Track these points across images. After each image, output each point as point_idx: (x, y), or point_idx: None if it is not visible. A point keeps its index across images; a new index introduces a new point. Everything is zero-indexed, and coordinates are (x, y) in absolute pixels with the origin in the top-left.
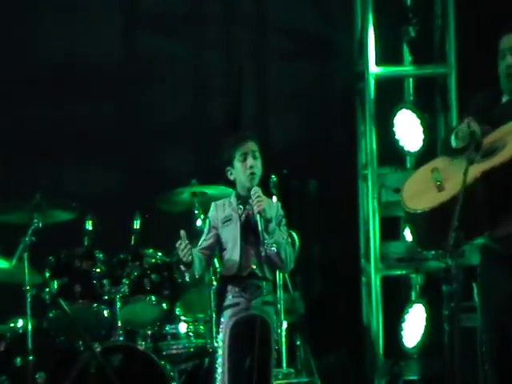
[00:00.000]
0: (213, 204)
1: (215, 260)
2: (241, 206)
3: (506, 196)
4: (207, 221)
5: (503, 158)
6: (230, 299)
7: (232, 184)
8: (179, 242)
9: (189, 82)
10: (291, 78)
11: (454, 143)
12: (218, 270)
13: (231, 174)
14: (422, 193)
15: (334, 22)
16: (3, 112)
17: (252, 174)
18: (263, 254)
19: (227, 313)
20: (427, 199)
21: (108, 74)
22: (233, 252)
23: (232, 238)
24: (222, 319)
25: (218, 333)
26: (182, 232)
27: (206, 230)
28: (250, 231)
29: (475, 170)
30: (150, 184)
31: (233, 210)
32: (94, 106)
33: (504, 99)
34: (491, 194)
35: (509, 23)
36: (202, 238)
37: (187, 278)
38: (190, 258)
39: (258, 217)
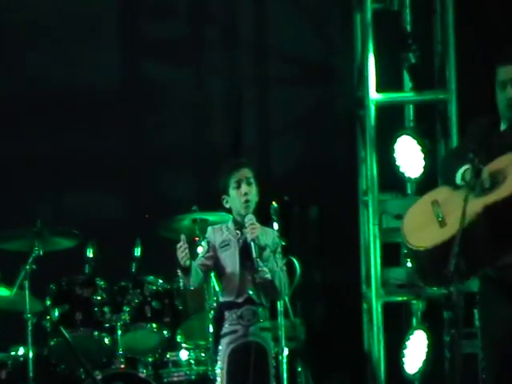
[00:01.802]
0: (209, 228)
1: (214, 286)
2: (238, 231)
3: (507, 228)
4: (205, 241)
5: (505, 192)
6: (227, 327)
7: (230, 212)
8: (179, 244)
9: (190, 107)
10: (292, 104)
11: (458, 181)
12: (215, 297)
13: (227, 202)
14: (423, 227)
15: (335, 48)
16: (3, 137)
17: (246, 201)
18: (257, 281)
19: (225, 340)
20: (429, 235)
21: (108, 100)
22: (231, 278)
23: (231, 263)
24: (220, 347)
25: (216, 361)
26: (183, 235)
27: (204, 249)
28: (246, 257)
29: (477, 205)
30: (150, 211)
31: (231, 235)
32: (94, 132)
33: (503, 127)
34: (493, 228)
35: (504, 53)
36: (200, 255)
37: (181, 285)
38: (188, 262)
39: (251, 244)
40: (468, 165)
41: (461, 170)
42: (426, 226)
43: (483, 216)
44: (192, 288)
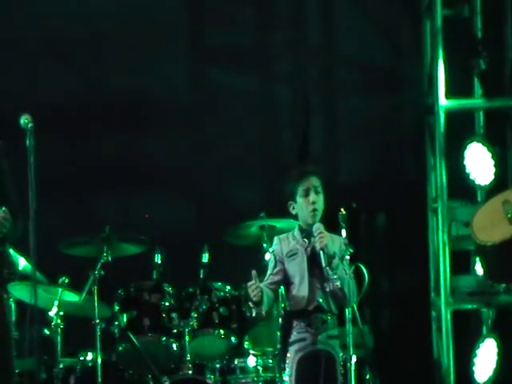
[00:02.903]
0: (276, 238)
1: (282, 293)
2: (305, 240)
3: None
4: (272, 255)
5: None
6: (295, 335)
7: (296, 218)
8: (251, 283)
9: (257, 115)
10: (360, 110)
11: None
12: (283, 304)
13: (293, 208)
14: (492, 225)
15: (404, 54)
16: (72, 145)
17: (314, 210)
18: (328, 289)
19: (293, 348)
20: (498, 231)
21: (175, 109)
22: (300, 287)
23: (299, 272)
24: (288, 354)
25: (284, 368)
26: (254, 272)
27: (271, 264)
28: (315, 265)
29: None
30: (218, 217)
31: (298, 244)
32: (161, 139)
33: None
34: None
35: None
36: (269, 273)
37: (254, 314)
38: (260, 296)
39: (321, 253)
40: None
41: None
42: (496, 223)
43: None
44: (264, 313)
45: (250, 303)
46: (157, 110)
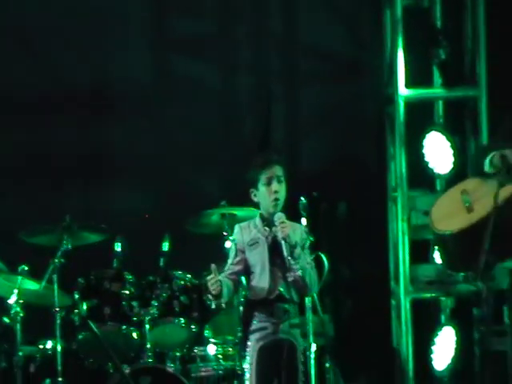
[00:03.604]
0: (237, 226)
1: (242, 283)
2: (267, 228)
3: None
4: (233, 243)
5: None
6: (256, 323)
7: (257, 206)
8: (210, 276)
9: (218, 103)
10: (321, 100)
11: (487, 168)
12: (244, 293)
13: (255, 195)
14: (451, 214)
15: (364, 44)
16: (32, 135)
17: (276, 199)
18: (290, 279)
19: (254, 336)
20: (456, 221)
21: (136, 97)
22: (262, 276)
23: (260, 261)
24: (249, 343)
25: (244, 357)
26: (213, 266)
27: (232, 254)
28: (276, 254)
29: (506, 191)
30: (179, 206)
31: (259, 232)
32: (122, 127)
33: None
34: None
35: None
36: (229, 262)
37: (213, 306)
38: (219, 290)
39: (283, 243)
40: (495, 151)
41: (489, 157)
42: (454, 213)
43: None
44: (224, 305)
45: (209, 296)
46: (118, 98)
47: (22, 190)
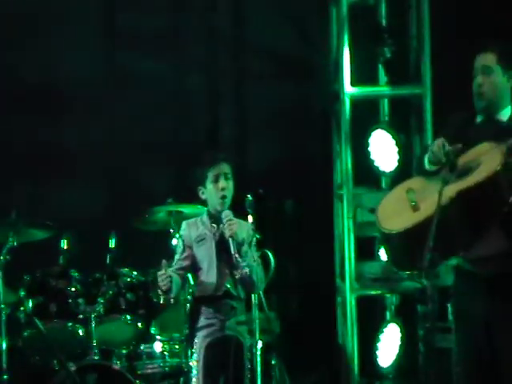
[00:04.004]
0: (184, 223)
1: (190, 280)
2: (214, 225)
3: (481, 217)
4: (180, 239)
5: (478, 178)
6: (203, 320)
7: (204, 203)
8: (161, 272)
9: (166, 101)
10: (268, 98)
11: (427, 166)
12: (191, 290)
13: (203, 193)
14: (396, 213)
15: (311, 42)
16: None
17: (223, 197)
18: (237, 276)
19: (201, 333)
20: (402, 220)
21: (84, 93)
22: (209, 272)
23: (207, 257)
24: (196, 340)
25: (191, 354)
26: (164, 261)
27: (179, 249)
28: (223, 250)
29: (451, 190)
30: (126, 203)
31: (206, 229)
32: (69, 123)
33: (478, 119)
34: (466, 214)
35: (482, 43)
36: (177, 258)
37: (161, 301)
38: (169, 285)
39: (230, 240)
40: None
41: (426, 156)
42: (400, 212)
43: (456, 201)
44: (172, 301)
45: (158, 291)
46: (67, 95)
47: None
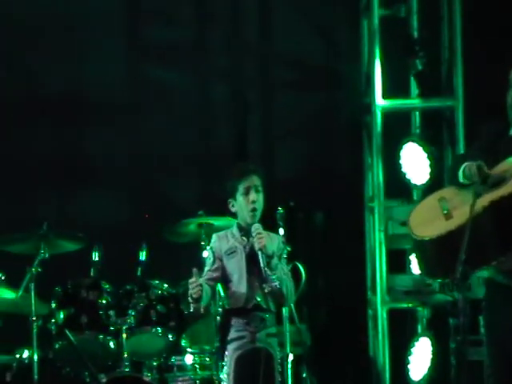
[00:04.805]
0: (214, 235)
1: (220, 292)
2: (244, 238)
3: None
4: (210, 251)
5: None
6: (234, 332)
7: (234, 216)
8: (192, 279)
9: (194, 112)
10: (298, 109)
11: (461, 179)
12: (221, 303)
13: (233, 206)
14: (429, 221)
15: (342, 54)
16: (9, 139)
17: (254, 209)
18: (266, 290)
19: (232, 346)
20: (435, 227)
21: (112, 105)
22: (239, 285)
23: (238, 270)
24: (227, 352)
25: (222, 366)
26: (195, 270)
27: (209, 261)
28: (253, 263)
29: (484, 200)
30: (157, 215)
31: (236, 242)
32: (99, 135)
33: (511, 132)
34: (499, 224)
35: None
36: (207, 269)
37: (192, 310)
38: (200, 294)
39: (259, 254)
40: (469, 161)
41: (462, 167)
42: (432, 219)
43: (489, 211)
44: (202, 310)
45: (189, 299)
46: (93, 107)
47: None
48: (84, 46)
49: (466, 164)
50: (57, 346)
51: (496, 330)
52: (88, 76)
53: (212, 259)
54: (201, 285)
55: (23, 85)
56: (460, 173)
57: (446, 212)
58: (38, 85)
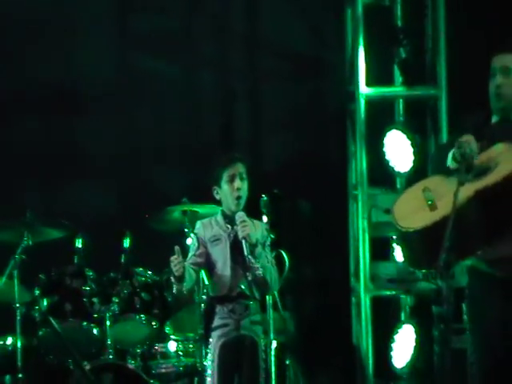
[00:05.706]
0: (199, 222)
1: (204, 279)
2: (228, 225)
3: (499, 217)
4: (195, 237)
5: (497, 177)
6: (218, 320)
7: (219, 203)
8: (174, 257)
9: (180, 100)
10: (282, 97)
11: (449, 163)
12: (205, 290)
13: (217, 193)
14: (413, 212)
15: (326, 42)
16: None
17: (238, 197)
18: (250, 278)
19: (216, 333)
20: (420, 218)
21: (98, 94)
22: (223, 272)
23: (222, 257)
24: (211, 340)
25: (206, 354)
26: (177, 247)
27: (194, 246)
28: (237, 251)
29: (468, 189)
30: (140, 202)
31: (221, 229)
32: (83, 123)
33: (494, 120)
34: (484, 213)
35: (501, 43)
36: (191, 254)
37: (175, 291)
38: (182, 271)
39: (243, 242)
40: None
41: (450, 153)
42: (417, 210)
43: (474, 201)
44: (185, 292)
45: (171, 278)
46: (80, 95)
47: None
48: (71, 35)
49: (454, 150)
50: (40, 333)
51: (479, 318)
52: (75, 65)
53: (196, 245)
54: (183, 262)
55: (10, 74)
56: (449, 158)
57: (430, 203)
58: (26, 75)
